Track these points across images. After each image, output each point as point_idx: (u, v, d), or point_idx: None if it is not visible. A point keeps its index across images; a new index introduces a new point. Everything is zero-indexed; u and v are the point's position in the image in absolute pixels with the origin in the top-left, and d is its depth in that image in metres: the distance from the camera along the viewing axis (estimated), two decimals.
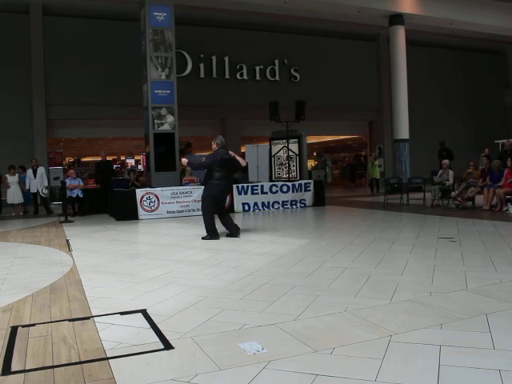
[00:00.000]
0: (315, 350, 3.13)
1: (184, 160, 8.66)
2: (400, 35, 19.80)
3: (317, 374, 2.76)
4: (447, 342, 3.17)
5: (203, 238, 8.18)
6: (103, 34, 18.94)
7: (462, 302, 4.05)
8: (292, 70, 22.34)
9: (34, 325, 3.80)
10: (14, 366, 3.00)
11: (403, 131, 19.75)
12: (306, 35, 22.27)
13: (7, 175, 13.87)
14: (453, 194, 12.31)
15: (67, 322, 3.86)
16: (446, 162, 13.37)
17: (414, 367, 2.83)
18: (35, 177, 14.12)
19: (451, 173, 12.77)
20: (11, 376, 2.87)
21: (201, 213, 12.27)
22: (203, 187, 8.80)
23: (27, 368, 2.97)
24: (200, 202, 12.15)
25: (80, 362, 3.03)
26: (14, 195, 13.81)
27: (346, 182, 27.23)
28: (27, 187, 14.02)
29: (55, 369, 2.95)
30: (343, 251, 6.64)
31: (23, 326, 3.77)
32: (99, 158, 17.16)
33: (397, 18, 19.63)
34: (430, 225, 9.29)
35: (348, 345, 3.20)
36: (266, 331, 3.51)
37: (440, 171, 13.23)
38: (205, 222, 8.33)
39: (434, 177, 13.71)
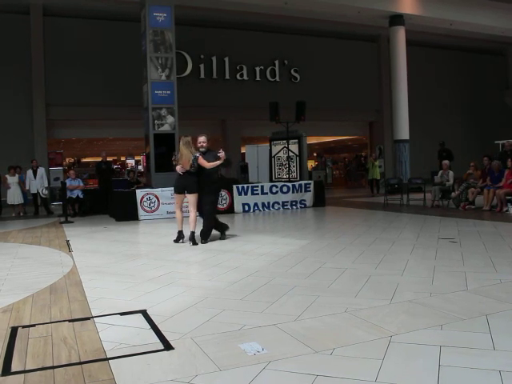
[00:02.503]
0: (315, 350, 3.13)
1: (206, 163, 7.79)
2: (400, 36, 19.81)
3: (317, 375, 2.76)
4: (447, 343, 3.17)
5: (204, 242, 7.78)
6: (103, 35, 18.94)
7: (463, 303, 4.05)
8: (292, 71, 22.35)
9: (34, 325, 3.80)
10: (14, 367, 3.00)
11: (403, 132, 19.75)
12: (307, 36, 22.29)
13: (7, 176, 13.87)
14: (453, 194, 12.31)
15: (67, 322, 3.86)
16: (446, 162, 13.37)
17: (414, 368, 2.83)
18: (35, 177, 14.12)
19: (451, 173, 12.77)
20: (11, 376, 2.87)
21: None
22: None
23: (27, 368, 2.97)
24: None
25: (80, 363, 3.03)
26: (14, 196, 13.81)
27: (352, 183, 26.76)
28: (27, 187, 14.02)
29: (55, 369, 2.95)
30: (343, 252, 6.64)
31: (23, 327, 3.77)
32: (100, 159, 17.14)
33: (397, 19, 19.63)
34: (431, 225, 9.29)
35: (348, 345, 3.20)
36: (266, 332, 3.51)
37: (440, 172, 13.23)
38: (208, 226, 7.91)
39: (434, 177, 13.71)
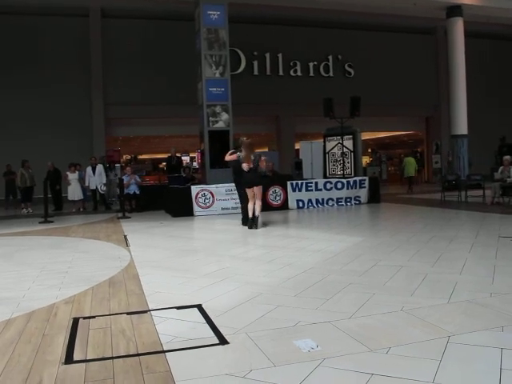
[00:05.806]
0: (371, 348, 3.09)
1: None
2: (458, 27, 19.16)
3: (372, 374, 2.72)
4: (509, 346, 3.05)
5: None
6: (158, 34, 19.32)
7: None
8: (346, 66, 22.11)
9: (94, 317, 3.93)
10: (76, 356, 3.12)
11: (461, 126, 19.13)
12: (360, 30, 21.98)
13: (68, 173, 14.40)
14: None
15: (125, 315, 3.97)
16: (507, 158, 12.87)
17: (474, 370, 2.75)
18: (94, 174, 14.56)
19: None
20: (74, 365, 2.98)
21: None
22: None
23: (88, 358, 3.08)
24: None
25: (138, 354, 3.11)
26: (74, 192, 14.32)
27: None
28: (86, 184, 14.51)
29: (114, 360, 3.04)
30: (399, 249, 6.52)
31: (84, 318, 3.90)
32: (155, 156, 17.49)
33: (455, 10, 19.01)
34: (490, 223, 8.99)
35: (404, 344, 3.14)
36: (321, 329, 3.49)
37: (501, 168, 12.75)
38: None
39: (494, 173, 13.24)
